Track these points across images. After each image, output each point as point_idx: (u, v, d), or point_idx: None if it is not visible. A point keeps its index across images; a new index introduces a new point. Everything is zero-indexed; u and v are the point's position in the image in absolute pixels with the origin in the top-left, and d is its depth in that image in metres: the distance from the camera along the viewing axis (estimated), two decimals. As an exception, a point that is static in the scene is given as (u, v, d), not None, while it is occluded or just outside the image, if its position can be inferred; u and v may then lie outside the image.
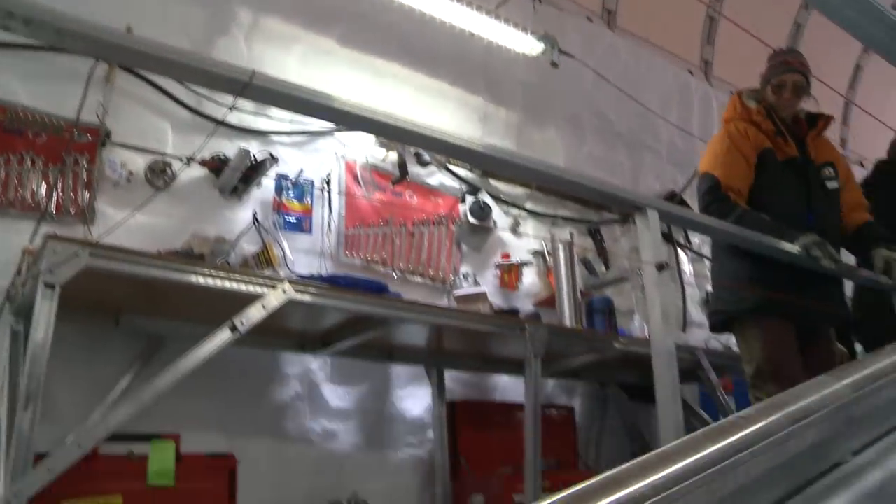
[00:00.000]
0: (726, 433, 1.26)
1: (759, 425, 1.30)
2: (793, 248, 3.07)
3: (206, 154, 4.04)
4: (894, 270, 3.25)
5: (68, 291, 2.58)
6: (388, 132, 2.11)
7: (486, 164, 2.63)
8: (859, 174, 7.04)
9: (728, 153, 3.41)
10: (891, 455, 1.53)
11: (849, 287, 3.93)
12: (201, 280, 2.86)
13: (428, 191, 5.06)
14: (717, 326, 3.52)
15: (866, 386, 1.58)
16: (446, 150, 2.21)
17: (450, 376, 4.55)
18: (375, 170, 4.80)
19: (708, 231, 2.97)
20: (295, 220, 4.36)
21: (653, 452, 1.19)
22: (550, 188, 5.29)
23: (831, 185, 3.53)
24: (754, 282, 3.28)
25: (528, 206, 5.48)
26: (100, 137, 3.74)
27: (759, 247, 2.99)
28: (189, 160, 3.96)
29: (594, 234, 5.63)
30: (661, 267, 2.42)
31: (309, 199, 4.44)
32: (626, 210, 2.59)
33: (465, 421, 4.41)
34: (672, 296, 6.20)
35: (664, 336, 2.40)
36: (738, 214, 3.20)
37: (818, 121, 3.65)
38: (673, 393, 2.37)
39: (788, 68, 3.56)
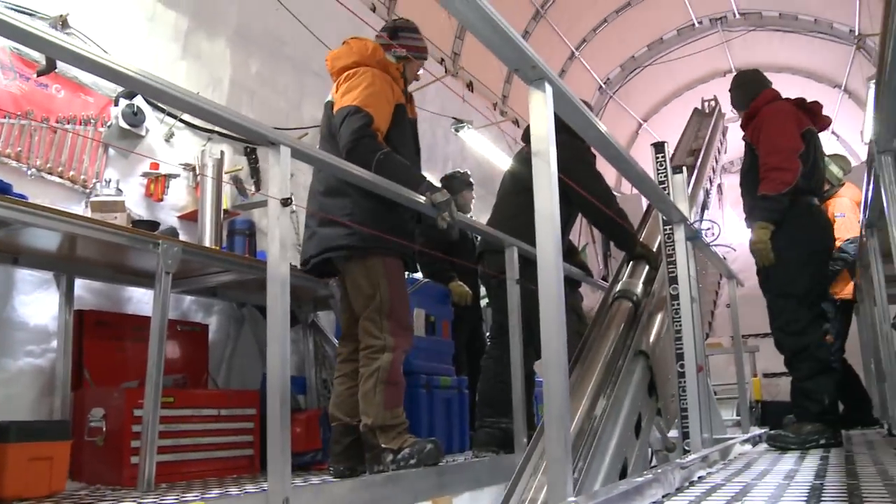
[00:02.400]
0: None
1: None
2: (422, 198, 3.36)
3: None
4: (443, 210, 3.50)
5: None
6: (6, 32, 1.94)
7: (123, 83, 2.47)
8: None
9: (381, 96, 3.59)
10: None
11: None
12: None
13: (78, 87, 4.72)
14: (331, 261, 3.66)
15: None
16: (83, 65, 2.07)
17: (82, 285, 4.36)
18: (18, 54, 4.38)
19: (338, 171, 3.11)
20: None
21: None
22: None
23: None
24: (386, 221, 3.54)
25: (186, 117, 5.28)
26: None
27: (387, 192, 3.23)
28: None
29: (250, 154, 5.64)
30: (286, 202, 2.54)
31: (-69, 75, 3.97)
32: (263, 144, 2.65)
33: (92, 332, 4.25)
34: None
35: (279, 265, 2.53)
36: (385, 152, 3.43)
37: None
38: (283, 319, 2.52)
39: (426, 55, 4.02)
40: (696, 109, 9.56)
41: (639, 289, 4.46)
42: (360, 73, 3.64)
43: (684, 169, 4.36)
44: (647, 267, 4.62)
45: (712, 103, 9.59)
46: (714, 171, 7.93)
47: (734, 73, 5.44)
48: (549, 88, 2.07)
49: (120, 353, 4.34)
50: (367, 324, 3.54)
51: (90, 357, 4.20)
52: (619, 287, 4.48)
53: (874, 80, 2.74)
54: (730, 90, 4.85)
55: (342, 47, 3.84)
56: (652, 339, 4.19)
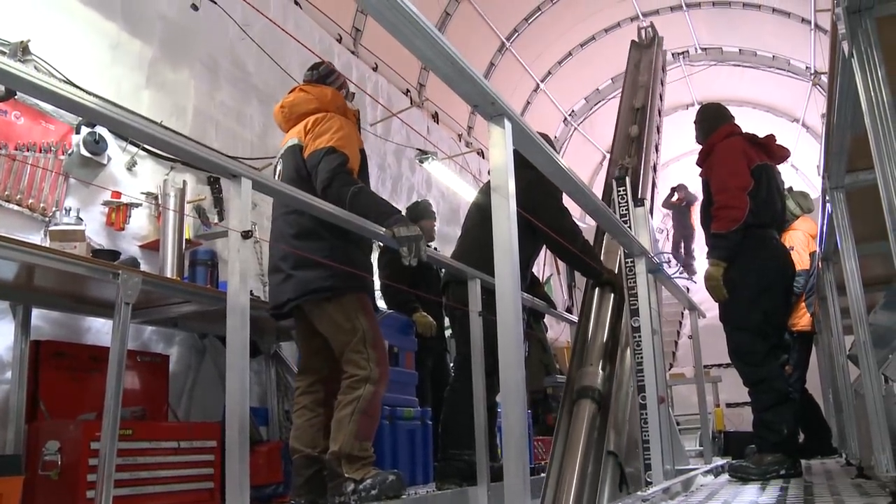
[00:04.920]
0: None
1: None
2: (383, 231, 3.36)
3: None
4: (404, 244, 3.46)
5: None
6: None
7: (83, 113, 2.43)
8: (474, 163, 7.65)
9: (351, 139, 3.69)
10: None
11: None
12: None
13: (39, 114, 4.68)
14: (308, 301, 3.65)
15: None
16: (41, 95, 2.05)
17: (40, 314, 4.30)
18: (-25, 80, 4.34)
19: (300, 204, 3.11)
20: None
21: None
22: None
23: None
24: (357, 260, 3.62)
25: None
26: None
27: (348, 225, 3.25)
28: None
29: (213, 183, 5.62)
30: (246, 235, 2.54)
31: None
32: (224, 176, 2.66)
33: (49, 363, 4.17)
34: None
35: (239, 296, 2.52)
36: (360, 186, 3.50)
37: None
38: (242, 351, 2.51)
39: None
40: (633, 42, 8.69)
41: (599, 380, 4.40)
42: (328, 117, 3.73)
43: (645, 202, 4.41)
44: (606, 336, 4.63)
45: (649, 30, 8.77)
46: (660, 132, 7.28)
47: (698, 106, 5.48)
48: (508, 125, 2.09)
49: (77, 384, 4.27)
50: (353, 355, 3.55)
51: (46, 388, 4.12)
52: (578, 383, 4.44)
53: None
54: (694, 123, 4.92)
55: (298, 94, 3.90)
56: (618, 418, 4.22)
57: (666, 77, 8.48)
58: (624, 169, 5.65)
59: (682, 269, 14.79)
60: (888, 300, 3.57)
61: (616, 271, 4.77)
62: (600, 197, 5.46)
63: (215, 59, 6.16)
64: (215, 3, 5.38)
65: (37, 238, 4.39)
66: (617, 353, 4.55)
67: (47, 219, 4.54)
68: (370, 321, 3.63)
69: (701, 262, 15.22)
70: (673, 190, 15.55)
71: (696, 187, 15.94)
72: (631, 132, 6.58)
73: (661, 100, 7.85)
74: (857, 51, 1.87)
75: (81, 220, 4.53)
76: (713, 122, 4.72)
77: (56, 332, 4.47)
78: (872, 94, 1.85)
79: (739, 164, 4.32)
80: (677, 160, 15.73)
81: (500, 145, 2.08)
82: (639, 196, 4.84)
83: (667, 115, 13.69)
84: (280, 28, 5.52)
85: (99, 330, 4.68)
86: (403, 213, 3.66)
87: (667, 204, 15.85)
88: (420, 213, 6.16)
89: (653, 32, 8.62)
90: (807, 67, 11.62)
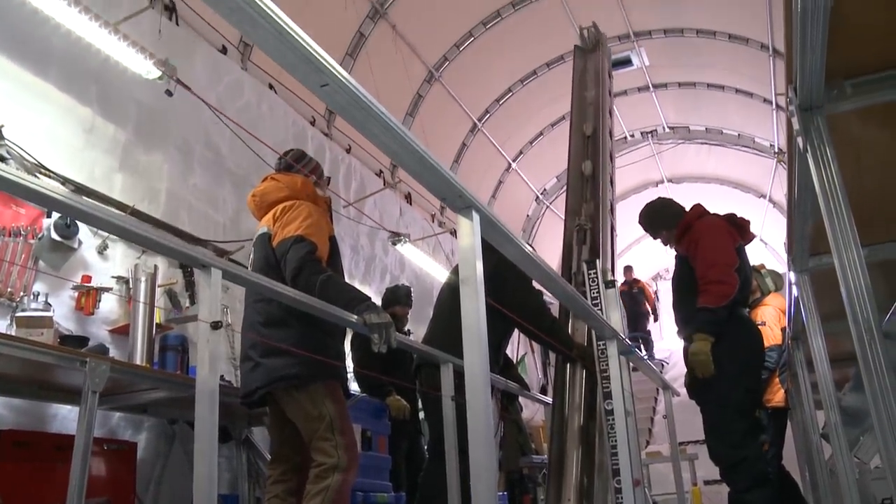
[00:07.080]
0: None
1: None
2: (354, 318, 3.35)
3: None
4: (374, 331, 3.44)
5: None
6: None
7: (56, 208, 2.44)
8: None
9: (320, 226, 3.70)
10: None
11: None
12: None
13: (9, 198, 4.66)
14: (277, 389, 3.60)
15: None
16: (9, 188, 2.05)
17: (3, 402, 4.20)
18: (-55, 166, 4.34)
19: (272, 293, 3.11)
20: None
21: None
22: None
23: None
24: (327, 349, 3.59)
25: (121, 229, 5.27)
26: None
27: (319, 312, 3.24)
28: None
29: (185, 267, 5.60)
30: (216, 325, 2.53)
31: None
32: (195, 266, 2.66)
33: (9, 453, 4.02)
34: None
35: (207, 383, 2.50)
36: (329, 274, 3.50)
37: None
38: (210, 440, 2.48)
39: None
40: (577, 48, 7.78)
41: None
42: (297, 205, 3.75)
43: (616, 283, 4.45)
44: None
45: (592, 30, 7.86)
46: (613, 159, 6.61)
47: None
48: (476, 216, 2.11)
49: (40, 475, 4.12)
50: (321, 443, 3.48)
51: (5, 481, 3.96)
52: None
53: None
54: (647, 217, 4.93)
55: (269, 183, 3.93)
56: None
57: (613, 84, 7.66)
58: (583, 231, 5.63)
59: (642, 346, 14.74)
60: (857, 382, 3.59)
61: (585, 343, 4.78)
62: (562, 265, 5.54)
63: (189, 143, 6.21)
64: (188, 89, 5.43)
65: (3, 324, 4.33)
66: (595, 448, 4.49)
67: (14, 304, 4.48)
68: (338, 407, 3.57)
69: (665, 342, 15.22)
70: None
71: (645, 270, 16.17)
72: (584, 170, 6.14)
73: (611, 115, 7.19)
74: (810, 146, 1.93)
75: (50, 305, 4.48)
76: (672, 207, 4.83)
77: (19, 421, 4.36)
78: (827, 186, 1.92)
79: (727, 242, 4.41)
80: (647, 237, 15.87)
81: (468, 236, 2.09)
82: (608, 276, 4.85)
83: (637, 193, 14.02)
84: (245, 130, 5.57)
85: (65, 417, 4.57)
86: (379, 296, 3.65)
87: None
88: (395, 299, 6.19)
89: (596, 31, 7.87)
90: (771, 145, 11.91)
